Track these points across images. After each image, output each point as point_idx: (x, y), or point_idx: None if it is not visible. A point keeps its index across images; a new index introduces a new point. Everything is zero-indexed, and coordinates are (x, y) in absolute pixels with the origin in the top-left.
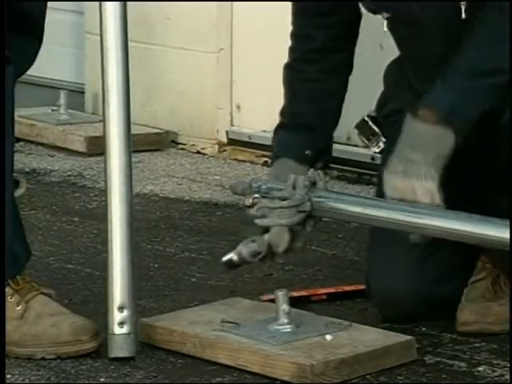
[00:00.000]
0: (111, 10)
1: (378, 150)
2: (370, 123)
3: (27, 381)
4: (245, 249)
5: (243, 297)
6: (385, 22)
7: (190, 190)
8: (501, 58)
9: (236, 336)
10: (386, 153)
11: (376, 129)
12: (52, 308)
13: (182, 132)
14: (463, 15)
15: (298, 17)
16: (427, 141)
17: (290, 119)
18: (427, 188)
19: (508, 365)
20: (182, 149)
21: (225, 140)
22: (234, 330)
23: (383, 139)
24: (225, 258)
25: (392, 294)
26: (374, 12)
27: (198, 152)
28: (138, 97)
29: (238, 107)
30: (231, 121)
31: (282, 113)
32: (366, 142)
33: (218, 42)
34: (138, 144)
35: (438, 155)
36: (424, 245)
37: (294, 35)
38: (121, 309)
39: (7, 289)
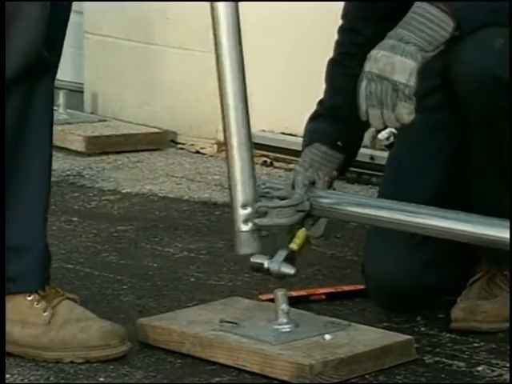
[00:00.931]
0: (223, 11)
1: (387, 143)
2: None
3: (26, 381)
4: (276, 266)
5: (242, 296)
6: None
7: (189, 190)
8: None
9: (235, 336)
10: (394, 147)
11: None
12: (78, 313)
13: (181, 132)
14: None
15: (349, 11)
16: (425, 22)
17: (327, 111)
18: (406, 66)
19: (507, 365)
20: (181, 148)
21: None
22: (233, 329)
23: (394, 131)
24: (256, 261)
25: (383, 276)
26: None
27: (197, 152)
28: (137, 96)
29: None
30: None
31: (320, 103)
32: (378, 135)
33: None
34: (137, 144)
35: (430, 40)
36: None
37: (342, 29)
38: (244, 206)
39: (33, 295)
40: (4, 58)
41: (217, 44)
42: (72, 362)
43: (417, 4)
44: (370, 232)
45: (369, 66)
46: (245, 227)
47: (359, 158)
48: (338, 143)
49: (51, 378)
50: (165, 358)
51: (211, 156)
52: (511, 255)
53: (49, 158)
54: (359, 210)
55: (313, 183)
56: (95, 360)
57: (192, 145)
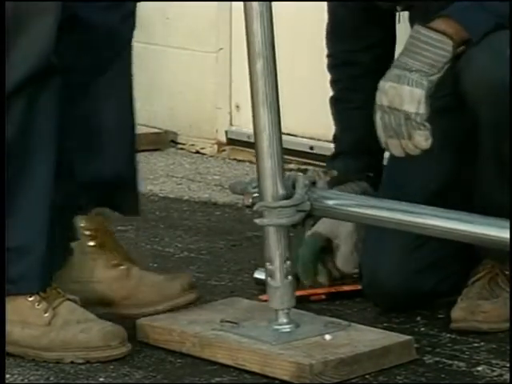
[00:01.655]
0: (256, 10)
1: None
2: None
3: (26, 381)
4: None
5: (242, 297)
6: (399, 14)
7: (190, 190)
8: None
9: (235, 335)
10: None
11: None
12: (79, 314)
13: (182, 132)
14: None
15: (335, 44)
16: (424, 46)
17: (350, 147)
18: (414, 95)
19: (507, 365)
20: (182, 149)
21: (224, 140)
22: (233, 329)
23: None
24: (258, 276)
25: (379, 280)
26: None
27: (198, 152)
28: (137, 96)
29: (238, 107)
30: (230, 121)
31: (337, 140)
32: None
33: (217, 41)
34: (138, 144)
35: (432, 63)
36: (416, 234)
37: (333, 66)
38: (269, 262)
39: (34, 297)
40: (4, 58)
41: (249, 43)
42: (72, 363)
43: (413, 29)
44: (366, 234)
45: (379, 99)
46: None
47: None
48: (370, 174)
49: (51, 378)
50: (165, 358)
51: (211, 156)
52: (511, 255)
53: (53, 163)
54: (360, 210)
55: (313, 183)
56: (95, 361)
57: (192, 145)
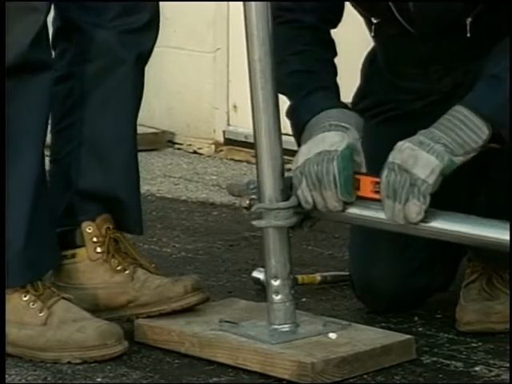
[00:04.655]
0: (255, 10)
1: None
2: None
3: (24, 381)
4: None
5: (240, 297)
6: (373, 27)
7: (187, 190)
8: None
9: (235, 335)
10: (366, 145)
11: None
12: (74, 313)
13: (179, 132)
14: (468, 34)
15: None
16: (459, 124)
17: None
18: (430, 163)
19: (505, 365)
20: (179, 149)
21: (221, 140)
22: (232, 329)
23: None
24: (256, 276)
25: (373, 285)
26: (364, 17)
27: (195, 152)
28: None
29: (235, 107)
30: (228, 121)
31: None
32: None
33: (214, 41)
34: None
35: (461, 143)
36: (404, 236)
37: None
38: (275, 278)
39: (28, 296)
40: (4, 56)
41: (248, 45)
42: (69, 363)
43: (455, 107)
44: (352, 241)
45: (392, 157)
46: (275, 299)
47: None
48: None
49: (49, 379)
50: (162, 359)
51: (209, 156)
52: (511, 256)
53: (39, 157)
54: (357, 211)
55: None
56: (92, 360)
57: (190, 145)
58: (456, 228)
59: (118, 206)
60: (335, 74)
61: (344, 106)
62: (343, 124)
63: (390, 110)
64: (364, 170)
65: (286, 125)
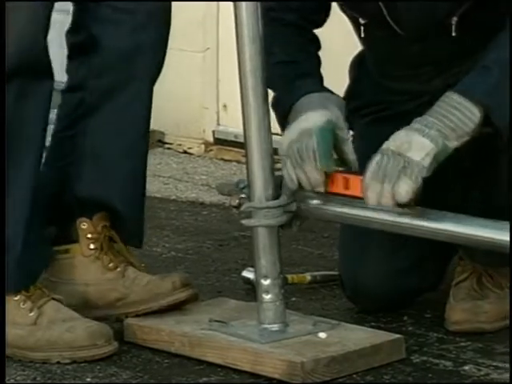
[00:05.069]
0: (244, 9)
1: None
2: None
3: (12, 381)
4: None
5: (230, 296)
6: (361, 28)
7: (177, 190)
8: None
9: (224, 334)
10: (356, 145)
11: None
12: (64, 313)
13: (169, 131)
14: (453, 33)
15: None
16: (451, 109)
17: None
18: (425, 146)
19: (494, 364)
20: (169, 148)
21: (211, 139)
22: (222, 328)
23: (351, 132)
24: (246, 275)
25: (363, 285)
26: (351, 18)
27: (185, 151)
28: None
29: (225, 107)
30: (218, 120)
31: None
32: None
33: (204, 41)
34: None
35: (453, 127)
36: (394, 235)
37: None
38: (265, 277)
39: (18, 296)
40: (4, 56)
41: (239, 44)
42: (59, 363)
43: (446, 93)
44: (342, 240)
45: (387, 143)
46: (265, 298)
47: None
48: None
49: (38, 379)
50: (152, 358)
51: (198, 156)
52: (511, 257)
53: (38, 158)
54: (346, 210)
55: (300, 184)
56: (82, 360)
57: (179, 145)
58: (447, 227)
59: (116, 217)
60: (319, 64)
61: (327, 90)
62: (325, 104)
63: (381, 110)
64: (348, 145)
65: (276, 124)
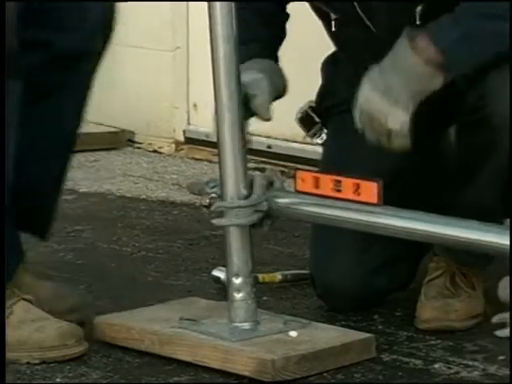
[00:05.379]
0: (218, 9)
1: (320, 142)
2: (313, 114)
3: None
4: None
5: (200, 296)
6: (332, 23)
7: (147, 189)
8: (503, 5)
9: (195, 332)
10: (328, 144)
11: (318, 120)
12: (34, 313)
13: (139, 131)
14: (418, 21)
15: None
16: (415, 75)
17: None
18: (400, 116)
19: (463, 362)
20: (139, 148)
21: (182, 139)
22: (192, 326)
23: (325, 130)
24: (216, 274)
25: (334, 284)
26: (321, 14)
27: (155, 151)
28: (94, 95)
29: (195, 106)
30: (188, 120)
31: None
32: (308, 133)
33: (174, 40)
34: (94, 143)
35: (420, 92)
36: (366, 234)
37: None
38: (236, 275)
39: None
40: (4, 55)
41: (213, 43)
42: (28, 363)
43: (402, 44)
44: (313, 240)
45: (359, 108)
46: (237, 296)
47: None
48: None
49: (8, 379)
50: (122, 358)
51: (169, 155)
52: (511, 260)
53: (10, 158)
54: (317, 209)
55: (271, 183)
56: (52, 360)
57: (149, 144)
58: (420, 226)
59: (26, 204)
60: (276, 34)
61: (270, 56)
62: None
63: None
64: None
65: (255, 124)
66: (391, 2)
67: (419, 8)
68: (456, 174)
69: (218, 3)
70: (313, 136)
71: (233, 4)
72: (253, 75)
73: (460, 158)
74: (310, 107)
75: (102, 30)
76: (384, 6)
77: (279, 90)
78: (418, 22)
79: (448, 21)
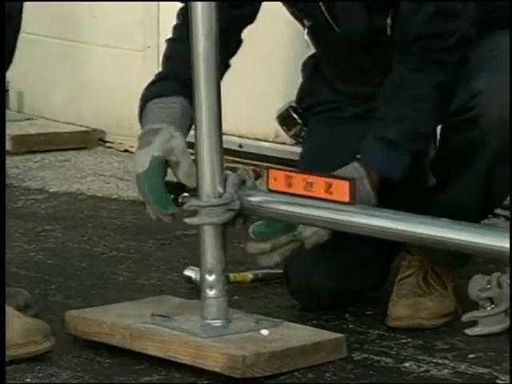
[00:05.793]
0: (199, 11)
1: (300, 140)
2: (293, 113)
3: None
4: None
5: (171, 295)
6: (305, 30)
7: (118, 189)
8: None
9: (167, 328)
10: (305, 144)
11: (298, 119)
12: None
13: (109, 130)
14: (388, 32)
15: None
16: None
17: (172, 74)
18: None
19: (434, 360)
20: (110, 147)
21: None
22: (164, 322)
23: (305, 129)
24: (187, 274)
25: (307, 282)
26: (297, 18)
27: (126, 150)
28: (64, 94)
29: None
30: None
31: (160, 74)
32: (288, 132)
33: (144, 40)
34: (65, 142)
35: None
36: (339, 234)
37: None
38: (209, 272)
39: None
40: (4, 55)
41: (193, 44)
42: None
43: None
44: None
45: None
46: (210, 293)
47: (288, 156)
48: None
49: None
50: (93, 358)
51: None
52: (511, 257)
53: None
54: (289, 208)
55: (243, 182)
56: (19, 358)
57: (120, 143)
58: (393, 225)
59: None
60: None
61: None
62: (155, 126)
63: (333, 109)
64: (181, 168)
65: (226, 124)
66: (355, 13)
67: (389, 20)
68: (437, 172)
69: (199, 3)
70: (295, 137)
71: (213, 4)
72: (164, 133)
73: (443, 157)
74: (291, 107)
75: None
76: (351, 16)
77: (188, 129)
78: (388, 33)
79: (375, 142)
